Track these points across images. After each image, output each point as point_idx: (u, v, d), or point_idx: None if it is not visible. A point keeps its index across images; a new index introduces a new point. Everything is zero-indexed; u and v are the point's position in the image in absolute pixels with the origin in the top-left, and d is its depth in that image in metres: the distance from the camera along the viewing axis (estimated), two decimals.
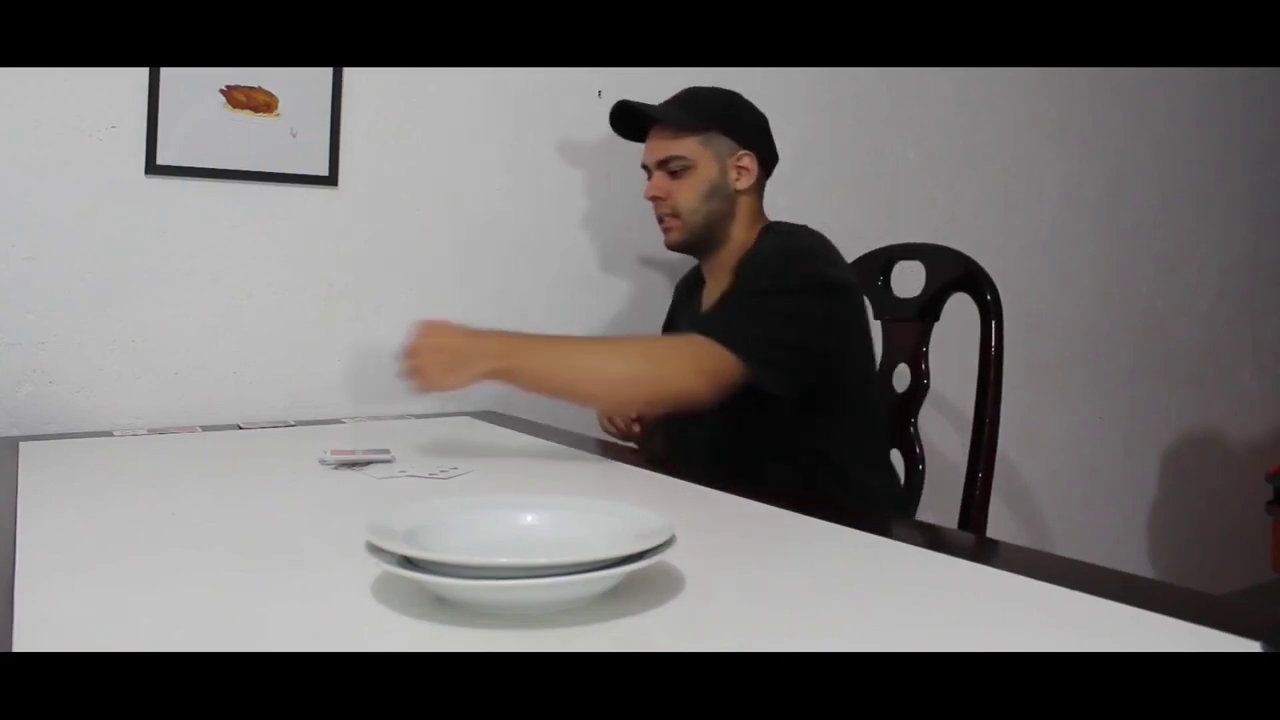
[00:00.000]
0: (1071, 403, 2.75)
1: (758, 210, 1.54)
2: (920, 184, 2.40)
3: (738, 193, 1.50)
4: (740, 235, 1.51)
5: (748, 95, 1.57)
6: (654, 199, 1.52)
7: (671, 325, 1.72)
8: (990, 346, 1.55)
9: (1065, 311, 2.70)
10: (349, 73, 1.69)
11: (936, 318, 1.64)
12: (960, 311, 1.62)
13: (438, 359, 1.21)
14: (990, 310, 1.55)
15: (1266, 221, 3.23)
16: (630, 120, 1.56)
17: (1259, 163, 3.19)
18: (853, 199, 2.28)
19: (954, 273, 1.62)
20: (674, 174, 1.49)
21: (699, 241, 1.52)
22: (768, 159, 1.54)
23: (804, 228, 1.51)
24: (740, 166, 1.50)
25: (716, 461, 1.45)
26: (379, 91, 1.73)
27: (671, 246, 1.55)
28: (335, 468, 1.21)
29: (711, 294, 1.54)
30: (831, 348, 1.38)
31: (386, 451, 1.25)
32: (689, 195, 1.49)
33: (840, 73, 2.23)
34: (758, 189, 1.53)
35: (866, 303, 1.52)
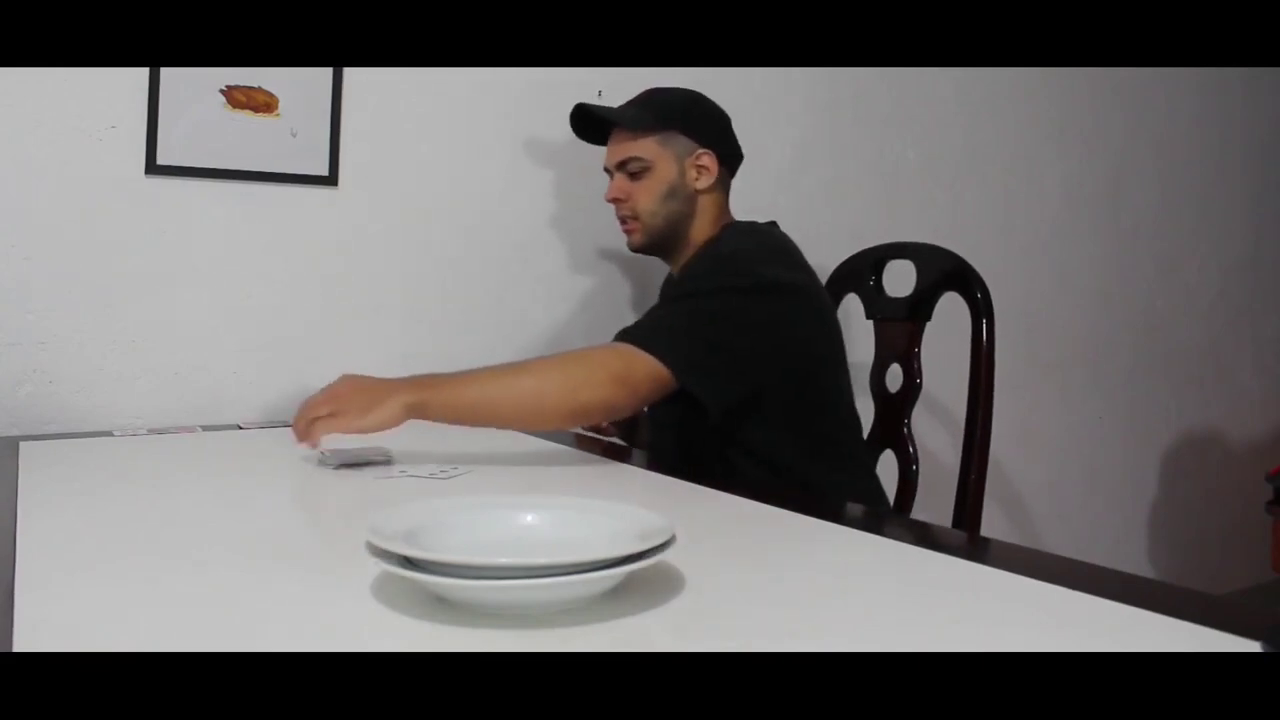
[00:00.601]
0: (1071, 403, 2.75)
1: (721, 209, 1.53)
2: (920, 184, 2.40)
3: (697, 192, 1.50)
4: (702, 235, 1.51)
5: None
6: (614, 201, 1.53)
7: None
8: (981, 345, 1.54)
9: (1065, 311, 2.70)
10: (349, 73, 1.69)
11: (928, 317, 1.63)
12: (952, 311, 1.62)
13: (355, 400, 1.19)
14: (981, 309, 1.54)
15: (1266, 221, 3.23)
16: (591, 123, 1.56)
17: (1259, 163, 3.19)
18: (853, 199, 2.27)
19: (945, 272, 1.61)
20: (633, 175, 1.49)
21: (660, 242, 1.52)
22: (729, 157, 1.53)
23: (761, 229, 1.49)
24: (699, 166, 1.49)
25: (687, 459, 1.44)
26: (379, 91, 1.73)
27: (634, 248, 1.55)
28: (335, 468, 1.21)
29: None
30: (767, 350, 1.34)
31: (385, 451, 1.25)
32: (648, 197, 1.49)
33: (840, 73, 2.23)
34: (720, 188, 1.53)
35: (828, 302, 1.48)
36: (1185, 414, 3.04)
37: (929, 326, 1.64)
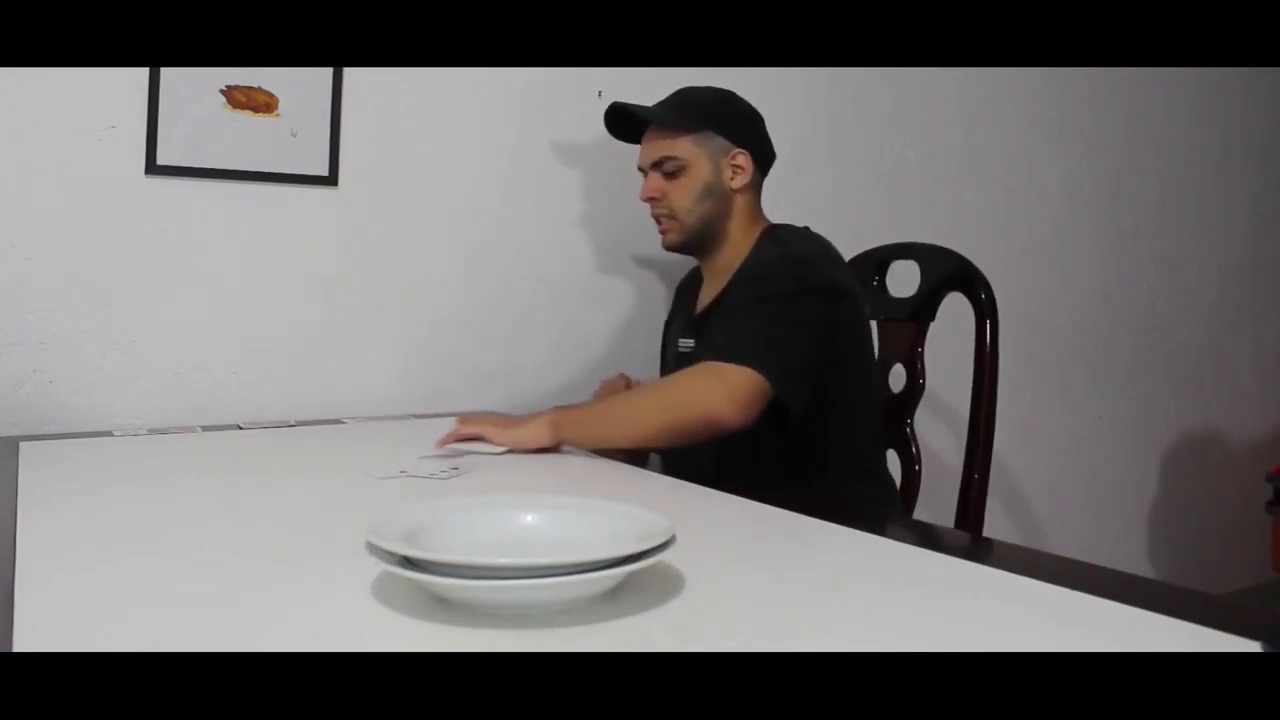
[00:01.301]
0: (1071, 403, 2.75)
1: (755, 209, 1.54)
2: (920, 184, 2.40)
3: (733, 192, 1.50)
4: (738, 234, 1.51)
5: (747, 95, 1.57)
6: (649, 200, 1.52)
7: (669, 327, 1.72)
8: (985, 346, 1.54)
9: (1065, 311, 2.70)
10: (349, 73, 1.69)
11: (932, 318, 1.63)
12: (956, 311, 1.62)
13: (495, 423, 1.34)
14: (985, 309, 1.55)
15: (1266, 221, 3.23)
16: (625, 122, 1.56)
17: (1259, 163, 3.19)
18: (853, 199, 2.27)
19: (949, 272, 1.61)
20: (669, 175, 1.49)
21: (696, 242, 1.52)
22: (763, 157, 1.54)
23: (806, 230, 1.51)
24: (735, 165, 1.50)
25: (724, 472, 1.42)
26: (379, 91, 1.73)
27: (669, 247, 1.55)
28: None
29: (708, 294, 1.54)
30: (833, 356, 1.37)
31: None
32: (684, 195, 1.49)
33: (840, 73, 2.23)
34: (754, 187, 1.53)
35: (865, 308, 1.52)
36: (1185, 414, 3.04)
37: (931, 327, 1.64)
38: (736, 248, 1.51)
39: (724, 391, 1.26)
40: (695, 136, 1.48)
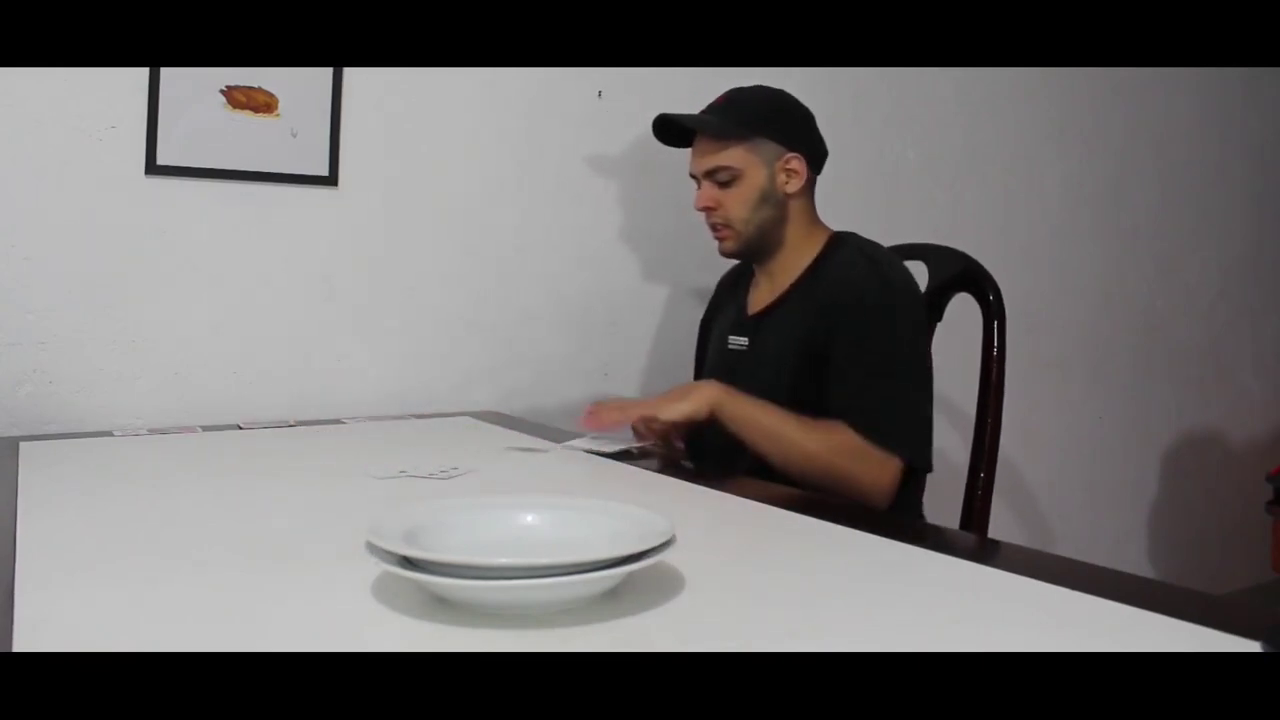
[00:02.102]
0: (1071, 403, 2.75)
1: (810, 211, 1.52)
2: (920, 184, 2.40)
3: (788, 197, 1.48)
4: (796, 238, 1.50)
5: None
6: (705, 210, 1.50)
7: (709, 324, 1.70)
8: (992, 347, 1.55)
9: (1065, 311, 2.70)
10: (349, 73, 1.69)
11: (939, 318, 1.64)
12: (962, 311, 1.62)
13: (664, 397, 1.38)
14: (993, 310, 1.55)
15: (1266, 221, 3.23)
16: (673, 129, 1.53)
17: (1259, 163, 3.19)
18: (853, 199, 2.27)
19: (956, 273, 1.61)
20: (722, 184, 1.47)
21: (753, 249, 1.51)
22: (816, 157, 1.52)
23: (879, 247, 1.49)
24: (789, 170, 1.47)
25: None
26: (379, 91, 1.73)
27: (726, 254, 1.54)
28: (583, 450, 1.35)
29: (764, 294, 1.53)
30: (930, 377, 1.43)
31: (632, 448, 1.38)
32: (740, 205, 1.47)
33: (840, 73, 2.23)
34: (808, 190, 1.51)
35: None
36: (1185, 414, 3.04)
37: (936, 327, 1.64)
38: (796, 252, 1.49)
39: (880, 486, 1.32)
40: (747, 144, 1.46)
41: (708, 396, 1.35)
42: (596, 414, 1.37)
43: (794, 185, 1.48)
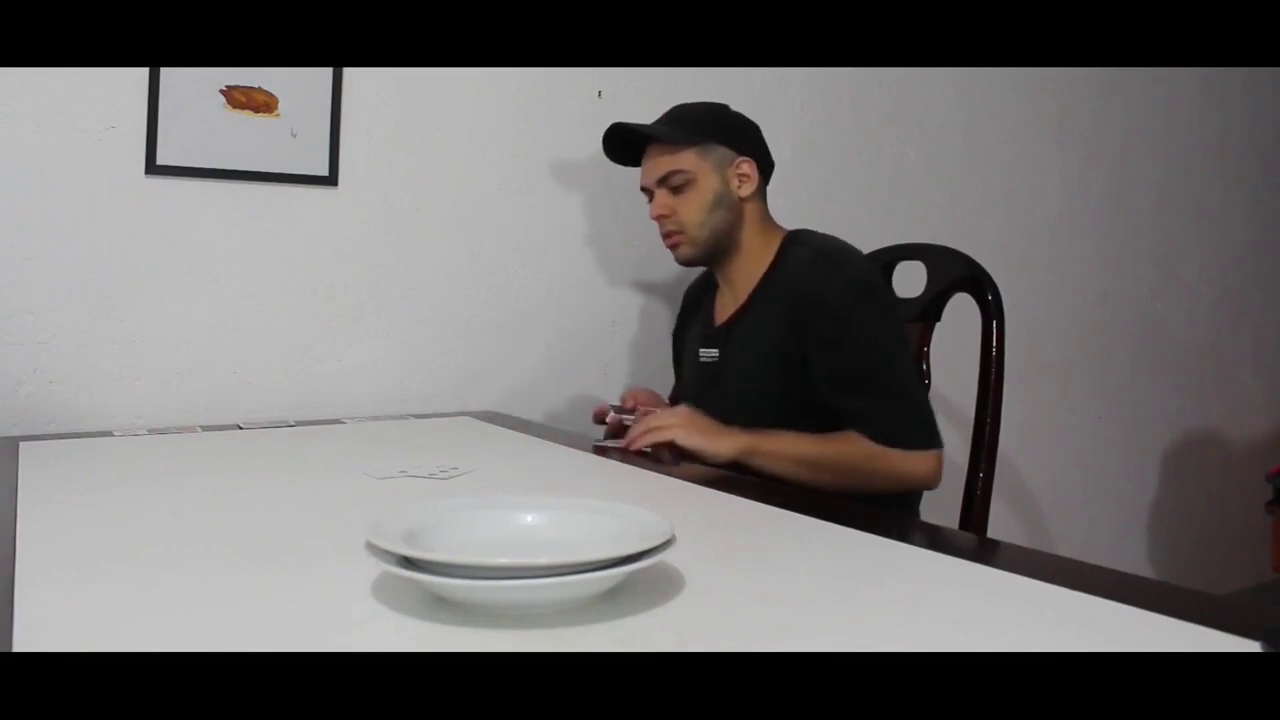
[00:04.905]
0: (1071, 403, 2.75)
1: (766, 216, 1.54)
2: (920, 184, 2.40)
3: (742, 200, 1.50)
4: (753, 242, 1.51)
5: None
6: (659, 217, 1.51)
7: (680, 336, 1.71)
8: (992, 347, 1.55)
9: (1065, 311, 2.70)
10: (349, 73, 1.69)
11: (938, 318, 1.64)
12: (961, 312, 1.62)
13: (698, 425, 1.35)
14: (992, 310, 1.56)
15: (1266, 221, 3.23)
16: (623, 145, 1.55)
17: (1259, 163, 3.19)
18: (853, 199, 2.28)
19: (956, 273, 1.62)
20: (675, 190, 1.49)
21: (709, 253, 1.52)
22: (765, 165, 1.54)
23: (833, 240, 1.50)
24: (741, 174, 1.50)
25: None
26: (379, 91, 1.73)
27: (683, 262, 1.54)
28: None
29: (728, 303, 1.54)
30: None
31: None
32: (693, 209, 1.48)
33: (840, 73, 2.23)
34: (760, 194, 1.53)
35: None
36: (1185, 414, 3.04)
37: (935, 327, 1.64)
38: (753, 257, 1.50)
39: (926, 477, 1.39)
40: (698, 149, 1.48)
41: (734, 443, 1.33)
42: (630, 436, 1.36)
43: (747, 189, 1.50)
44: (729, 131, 1.51)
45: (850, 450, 1.36)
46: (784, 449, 1.35)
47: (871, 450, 1.36)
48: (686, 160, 1.48)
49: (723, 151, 1.49)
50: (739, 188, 1.50)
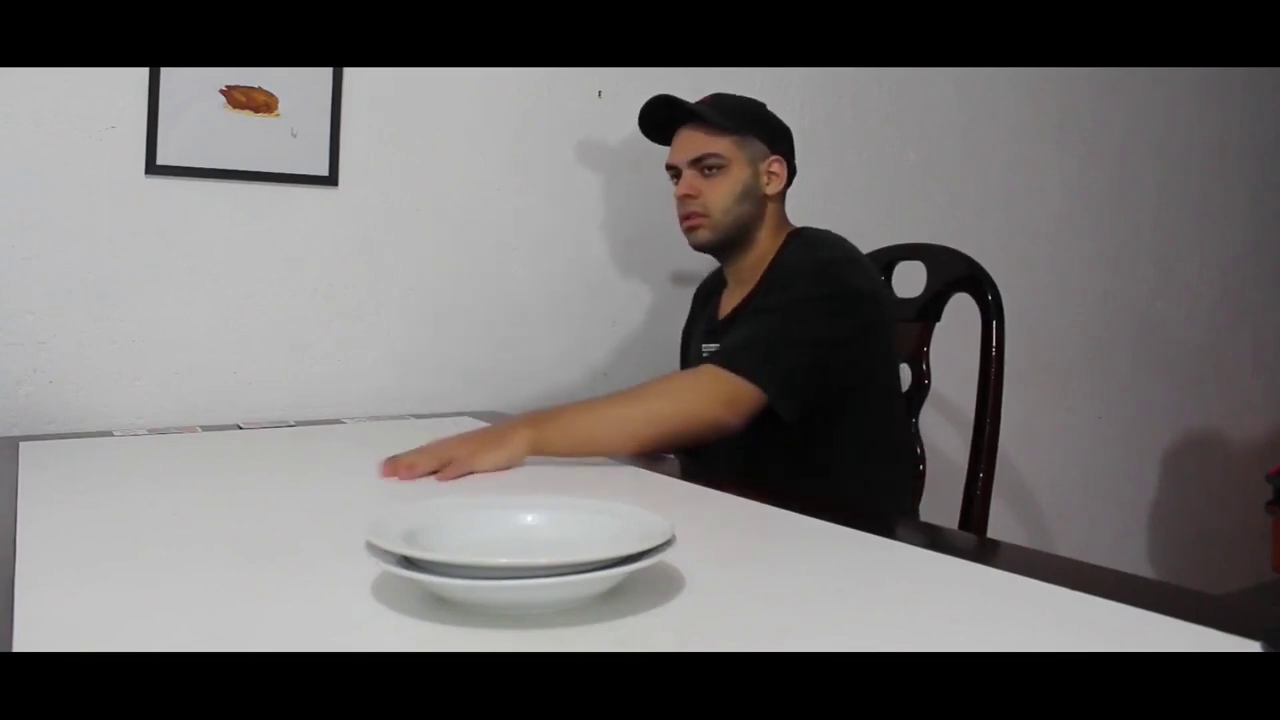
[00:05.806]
0: (1071, 403, 2.75)
1: (783, 217, 1.54)
2: (920, 184, 2.40)
3: (767, 197, 1.50)
4: (766, 240, 1.51)
5: (747, 95, 1.57)
6: (685, 197, 1.50)
7: (689, 334, 1.72)
8: (991, 347, 1.55)
9: (1065, 311, 2.70)
10: (349, 73, 1.69)
11: (938, 318, 1.64)
12: (961, 311, 1.62)
13: (476, 442, 1.21)
14: (992, 310, 1.56)
15: (1266, 221, 3.23)
16: (661, 116, 1.54)
17: (1259, 163, 3.19)
18: (853, 199, 2.27)
19: (956, 273, 1.62)
20: (707, 172, 1.48)
21: (726, 242, 1.51)
22: (792, 169, 1.55)
23: (830, 234, 1.50)
24: (771, 171, 1.50)
25: (735, 468, 1.43)
26: (379, 91, 1.73)
27: (698, 246, 1.53)
28: None
29: (732, 298, 1.54)
30: (847, 363, 1.38)
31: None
32: (722, 195, 1.48)
33: (840, 73, 2.23)
34: (781, 197, 1.53)
35: (889, 309, 1.51)
36: (1185, 414, 3.04)
37: (935, 327, 1.64)
38: (762, 252, 1.51)
39: (722, 399, 1.29)
40: (737, 138, 1.48)
41: (523, 442, 1.22)
42: (394, 467, 1.15)
43: (774, 187, 1.51)
44: (768, 128, 1.52)
45: (657, 389, 1.30)
46: (574, 419, 1.27)
47: (675, 376, 1.32)
48: (723, 145, 1.48)
49: (759, 146, 1.49)
50: (767, 184, 1.50)
